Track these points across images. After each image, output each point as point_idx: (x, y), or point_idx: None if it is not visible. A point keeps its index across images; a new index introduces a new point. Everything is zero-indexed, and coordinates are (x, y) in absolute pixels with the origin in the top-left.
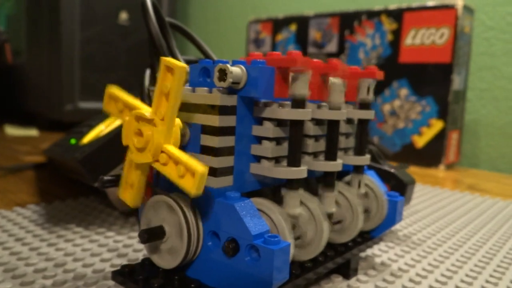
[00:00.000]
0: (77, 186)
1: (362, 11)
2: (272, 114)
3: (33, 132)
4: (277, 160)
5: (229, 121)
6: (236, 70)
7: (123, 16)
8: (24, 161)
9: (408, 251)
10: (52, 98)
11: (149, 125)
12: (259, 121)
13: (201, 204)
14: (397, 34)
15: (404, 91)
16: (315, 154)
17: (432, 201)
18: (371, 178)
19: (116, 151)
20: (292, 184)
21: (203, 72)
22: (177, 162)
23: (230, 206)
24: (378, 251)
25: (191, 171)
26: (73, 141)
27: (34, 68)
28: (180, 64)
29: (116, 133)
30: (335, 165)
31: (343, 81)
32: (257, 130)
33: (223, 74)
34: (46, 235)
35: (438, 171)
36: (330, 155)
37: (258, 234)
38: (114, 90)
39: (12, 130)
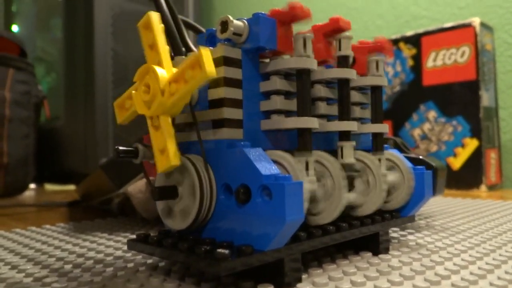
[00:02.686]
0: (107, 213)
1: None
2: (277, 66)
3: (70, 187)
4: (287, 115)
5: (235, 73)
6: (238, 22)
7: None
8: None
9: (446, 236)
10: (88, 154)
11: (159, 87)
12: (267, 78)
13: (213, 158)
14: (418, 59)
15: (432, 114)
16: (328, 118)
17: (473, 208)
18: (394, 153)
19: None
20: (303, 136)
21: (210, 39)
22: (163, 136)
23: (239, 151)
24: (413, 237)
25: (167, 155)
26: None
27: (71, 129)
28: (210, 67)
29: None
30: (349, 125)
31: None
32: (264, 86)
33: (224, 25)
34: (70, 239)
35: (480, 192)
36: (343, 115)
37: (268, 175)
38: (154, 17)
39: (51, 187)
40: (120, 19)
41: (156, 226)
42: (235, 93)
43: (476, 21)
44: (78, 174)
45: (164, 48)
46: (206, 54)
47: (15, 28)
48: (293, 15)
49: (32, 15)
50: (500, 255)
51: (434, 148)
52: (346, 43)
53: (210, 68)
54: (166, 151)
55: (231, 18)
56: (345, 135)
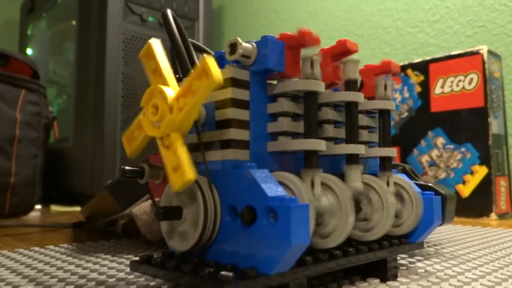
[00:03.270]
0: (111, 234)
1: None
2: (285, 88)
3: (76, 208)
4: (294, 137)
5: (242, 94)
6: (246, 44)
7: None
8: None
9: (456, 264)
10: (95, 176)
11: (167, 105)
12: (274, 100)
13: (219, 179)
14: (425, 85)
15: (440, 140)
16: (335, 142)
17: (483, 236)
18: (402, 177)
19: None
20: (310, 158)
21: (218, 61)
22: (175, 153)
23: (246, 173)
24: (421, 264)
25: (181, 172)
26: None
27: (79, 151)
28: (217, 73)
29: None
30: (356, 148)
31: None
32: (272, 108)
33: (233, 47)
34: (73, 260)
35: (490, 220)
36: (351, 138)
37: (275, 197)
38: (153, 46)
39: (57, 208)
40: (132, 43)
41: (160, 248)
42: (242, 114)
43: (484, 48)
44: (85, 196)
45: (167, 70)
46: (211, 61)
47: (29, 51)
48: (302, 41)
49: (46, 39)
50: None
51: (442, 175)
52: (354, 66)
53: (216, 73)
54: (180, 167)
55: (240, 40)
56: (353, 159)
